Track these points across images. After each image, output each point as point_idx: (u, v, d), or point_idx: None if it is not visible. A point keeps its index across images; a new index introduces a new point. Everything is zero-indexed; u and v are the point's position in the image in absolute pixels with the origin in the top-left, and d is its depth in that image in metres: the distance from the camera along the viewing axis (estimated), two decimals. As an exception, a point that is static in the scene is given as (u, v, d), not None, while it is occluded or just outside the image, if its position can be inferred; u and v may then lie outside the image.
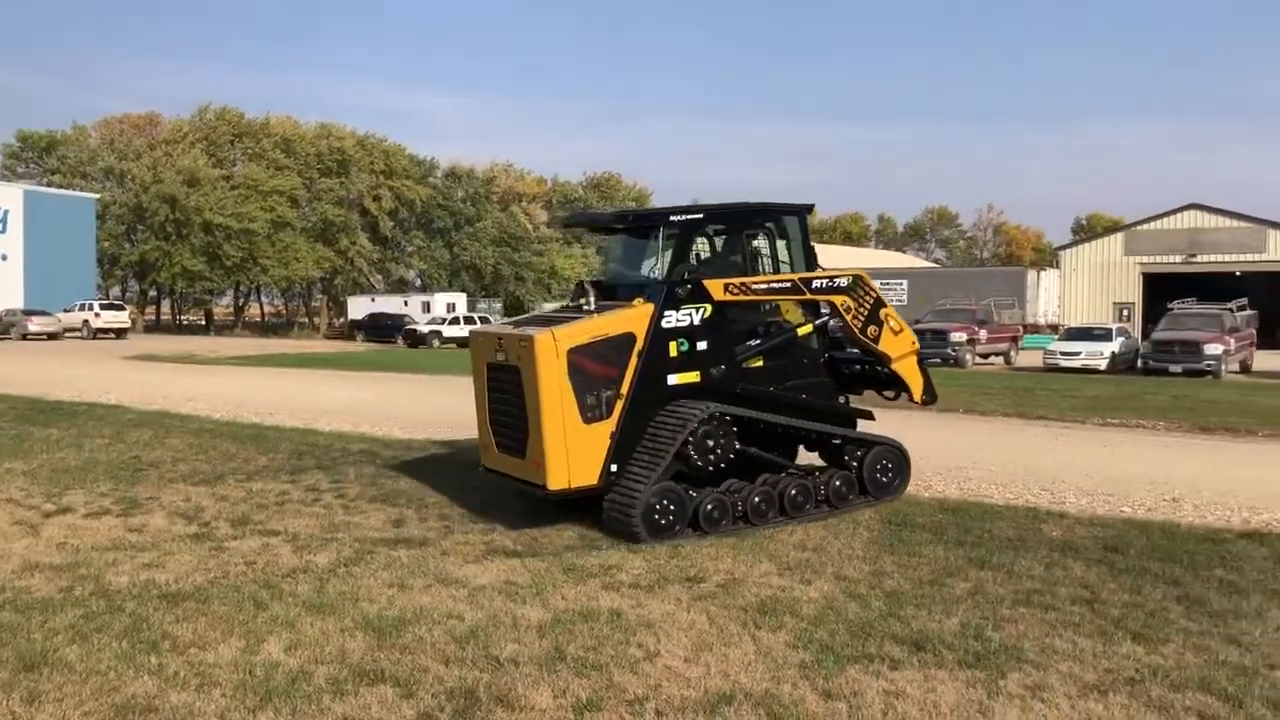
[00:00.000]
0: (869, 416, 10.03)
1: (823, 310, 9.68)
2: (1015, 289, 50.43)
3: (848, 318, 9.58)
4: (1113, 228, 61.25)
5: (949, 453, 12.81)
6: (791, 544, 8.09)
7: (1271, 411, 18.21)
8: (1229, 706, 4.93)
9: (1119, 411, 18.17)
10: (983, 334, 34.34)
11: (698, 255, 9.56)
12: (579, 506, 8.75)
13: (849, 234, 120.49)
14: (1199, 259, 49.76)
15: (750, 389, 9.11)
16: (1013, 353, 36.53)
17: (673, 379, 8.75)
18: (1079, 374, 29.41)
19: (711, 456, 8.59)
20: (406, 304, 63.12)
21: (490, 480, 10.79)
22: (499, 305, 72.61)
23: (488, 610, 6.39)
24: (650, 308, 8.68)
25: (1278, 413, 17.99)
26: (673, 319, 8.71)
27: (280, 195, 64.87)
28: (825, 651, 5.64)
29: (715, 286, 8.89)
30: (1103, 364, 30.69)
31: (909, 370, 10.02)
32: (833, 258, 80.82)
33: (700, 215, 9.33)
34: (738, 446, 8.76)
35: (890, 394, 10.30)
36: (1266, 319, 44.03)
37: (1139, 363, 31.14)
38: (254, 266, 65.33)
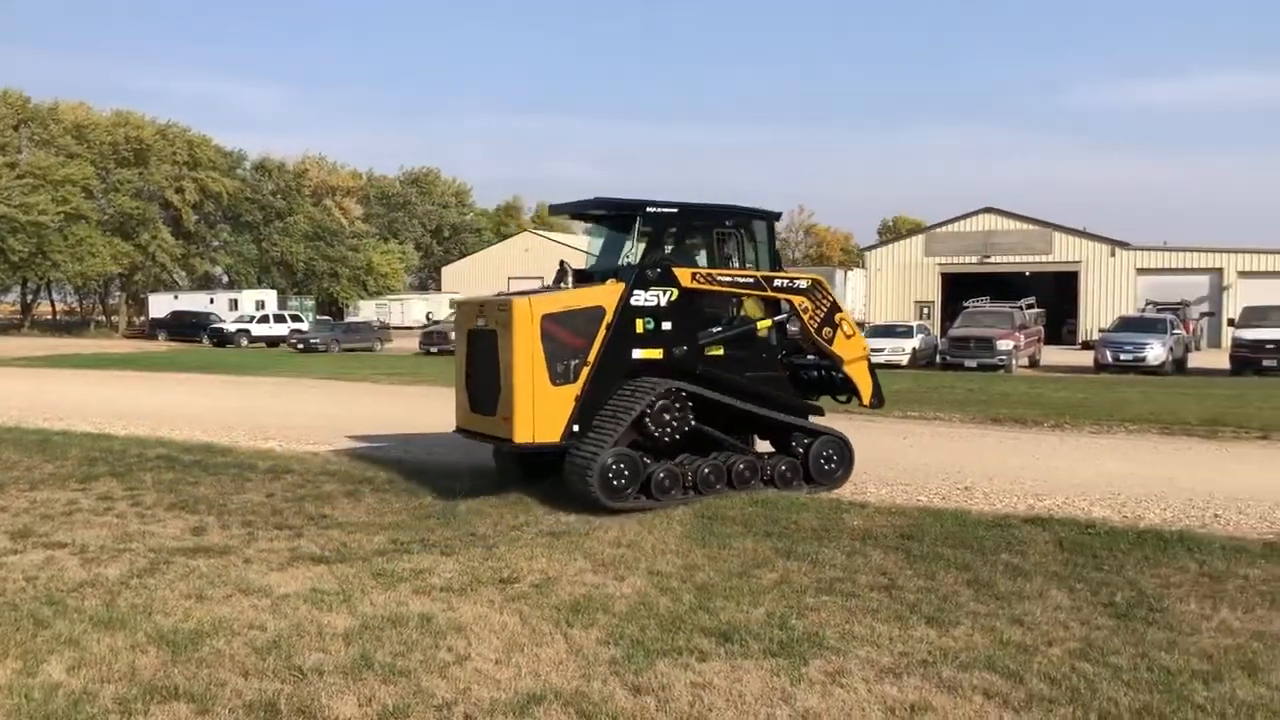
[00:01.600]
0: (819, 411, 10.71)
1: (783, 309, 10.36)
2: (825, 288, 52.21)
3: (804, 317, 10.25)
4: (915, 229, 64.25)
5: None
6: (607, 541, 8.13)
7: (1057, 403, 19.45)
8: (1011, 683, 5.23)
9: (919, 405, 19.05)
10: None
11: (675, 247, 10.16)
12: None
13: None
14: (993, 260, 52.79)
15: (710, 372, 9.80)
16: (823, 349, 37.79)
17: (637, 353, 9.49)
18: (883, 369, 30.63)
19: (667, 429, 9.32)
20: (213, 301, 60.55)
21: (298, 483, 10.47)
22: (311, 303, 70.39)
23: (291, 619, 6.17)
24: (621, 285, 9.46)
25: (1063, 404, 19.23)
26: (641, 298, 9.46)
27: (73, 185, 60.90)
28: (636, 647, 5.69)
29: (683, 274, 9.65)
30: (905, 359, 32.17)
31: (860, 374, 10.69)
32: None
33: (675, 210, 9.98)
34: (693, 423, 9.49)
35: (843, 398, 10.97)
36: (1052, 316, 47.15)
37: (938, 358, 32.79)
38: (44, 262, 61.09)
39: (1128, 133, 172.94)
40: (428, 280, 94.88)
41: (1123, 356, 29.85)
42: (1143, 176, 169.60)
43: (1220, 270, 49.37)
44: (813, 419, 10.54)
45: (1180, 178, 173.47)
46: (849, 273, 60.79)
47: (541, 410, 9.05)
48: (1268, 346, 28.39)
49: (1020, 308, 35.73)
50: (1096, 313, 48.61)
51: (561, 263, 10.12)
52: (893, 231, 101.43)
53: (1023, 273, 52.24)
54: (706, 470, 9.51)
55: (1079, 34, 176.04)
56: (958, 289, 50.80)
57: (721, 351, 9.96)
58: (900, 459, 12.46)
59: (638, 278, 9.49)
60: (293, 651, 5.61)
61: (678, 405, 9.35)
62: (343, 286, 75.58)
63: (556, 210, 11.33)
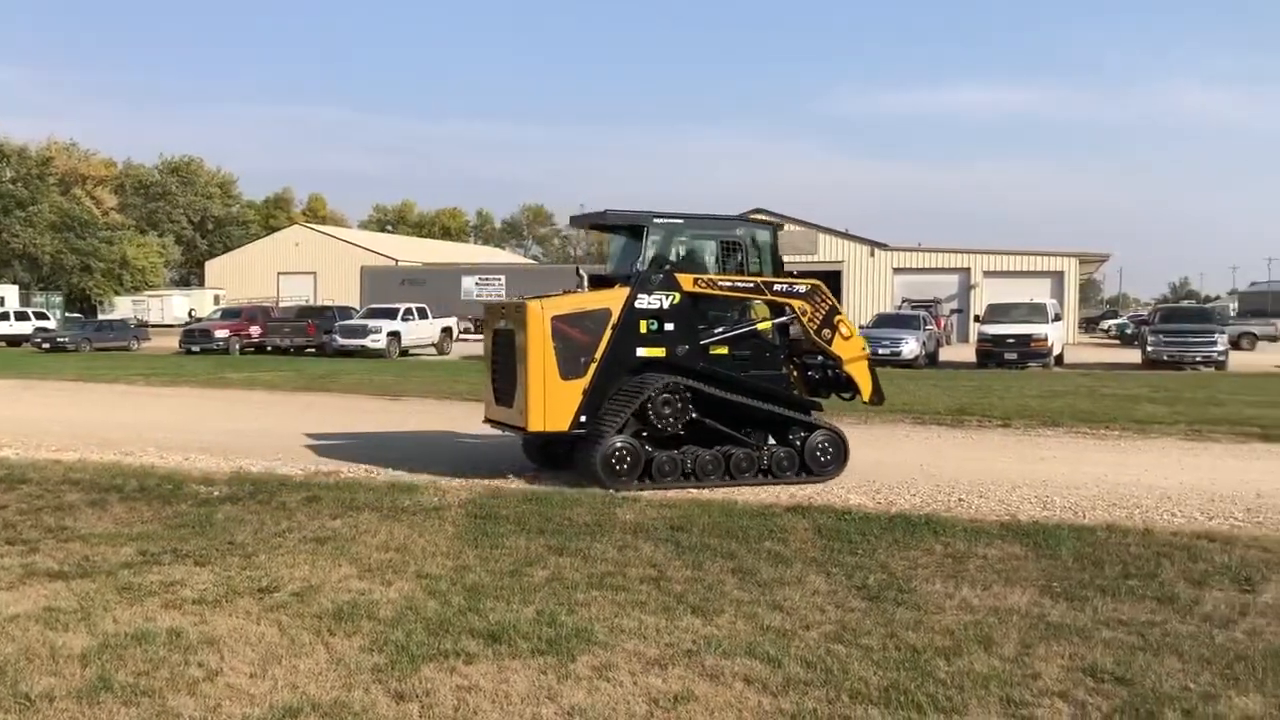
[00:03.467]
0: (818, 407, 11.38)
1: (786, 313, 11.04)
2: (605, 285, 52.84)
3: (804, 320, 10.94)
4: (690, 228, 65.82)
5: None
6: (375, 545, 7.91)
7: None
8: (770, 668, 5.39)
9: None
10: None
11: (679, 254, 11.04)
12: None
13: (447, 229, 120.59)
14: (763, 259, 54.66)
15: (711, 369, 10.53)
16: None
17: (641, 351, 10.35)
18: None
19: (667, 420, 10.15)
20: (-59, 299, 55.43)
21: (35, 494, 9.70)
22: (60, 299, 65.51)
23: (20, 642, 5.67)
24: (627, 290, 10.34)
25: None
26: (645, 301, 10.30)
27: None
28: (401, 653, 5.54)
29: (685, 279, 10.46)
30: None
31: (860, 372, 11.35)
32: (430, 252, 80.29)
33: (681, 220, 10.89)
34: (693, 415, 10.28)
35: (848, 395, 11.64)
36: (819, 313, 49.11)
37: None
38: None
39: (886, 139, 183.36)
40: (190, 275, 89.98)
41: (880, 351, 31.44)
42: (899, 180, 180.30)
43: (968, 270, 53.00)
44: (814, 415, 11.15)
45: (932, 182, 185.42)
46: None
47: (552, 401, 10.03)
48: (1009, 341, 30.65)
49: (789, 305, 37.14)
50: (858, 310, 51.17)
51: (577, 268, 10.89)
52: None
53: (790, 272, 54.39)
54: (706, 459, 10.28)
55: (846, 44, 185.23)
56: (731, 287, 52.42)
57: (726, 350, 10.75)
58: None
59: (641, 282, 10.34)
60: (19, 677, 5.15)
61: (677, 398, 10.19)
62: (95, 282, 70.62)
63: (576, 222, 12.25)
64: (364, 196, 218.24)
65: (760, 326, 11.04)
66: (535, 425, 10.11)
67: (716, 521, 8.61)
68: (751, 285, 10.85)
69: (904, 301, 46.88)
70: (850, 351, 11.26)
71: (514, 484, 10.31)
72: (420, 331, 37.77)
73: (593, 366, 10.14)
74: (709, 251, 11.18)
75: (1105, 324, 68.38)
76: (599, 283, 11.07)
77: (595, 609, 6.37)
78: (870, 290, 53.29)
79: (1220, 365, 29.66)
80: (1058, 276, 51.85)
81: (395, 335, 36.09)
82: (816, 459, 10.75)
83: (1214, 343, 30.24)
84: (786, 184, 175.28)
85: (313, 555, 7.60)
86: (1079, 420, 16.25)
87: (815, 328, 10.97)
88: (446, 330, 39.33)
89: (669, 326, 10.39)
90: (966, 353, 35.12)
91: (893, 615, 6.31)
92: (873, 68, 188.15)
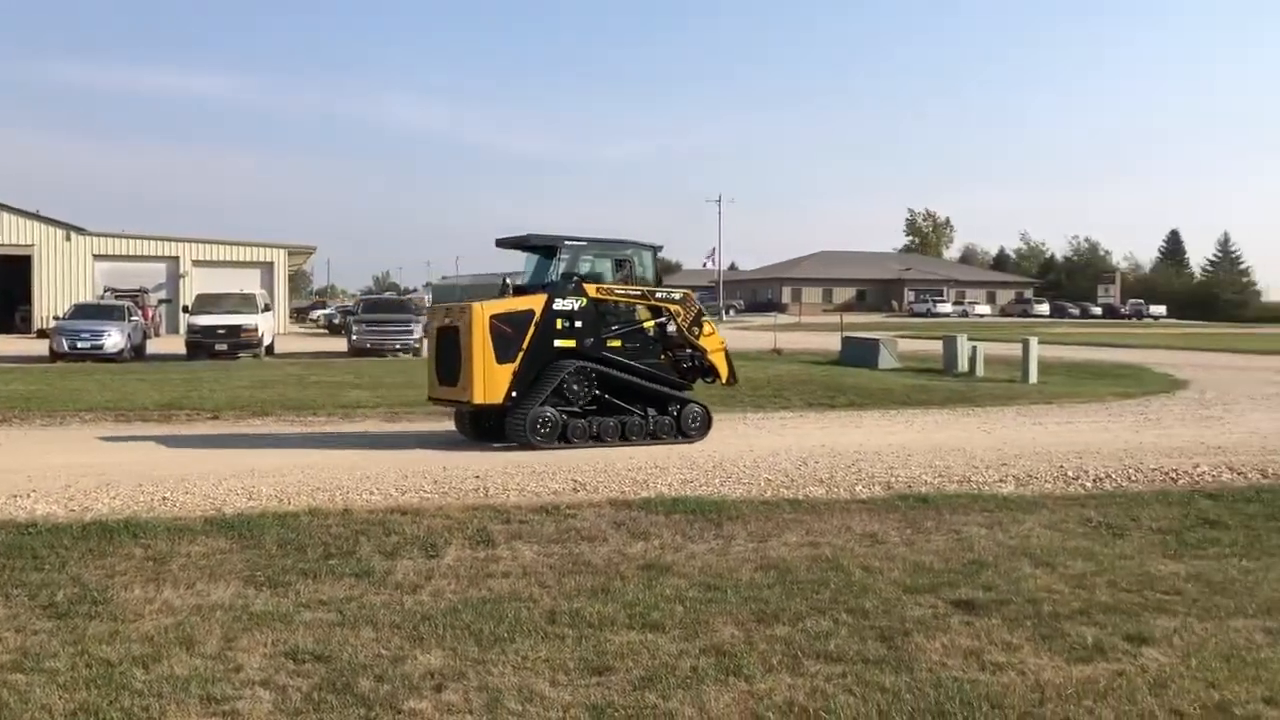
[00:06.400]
0: (689, 387, 14.25)
1: (664, 314, 13.95)
2: None
3: (678, 320, 13.87)
4: None
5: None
6: None
7: (8, 396, 18.10)
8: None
9: None
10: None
11: (587, 268, 13.74)
12: None
13: None
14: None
15: (610, 357, 13.34)
16: None
17: (557, 342, 13.04)
18: None
19: (577, 395, 12.91)
20: None
21: None
22: None
23: None
24: (546, 295, 13.10)
25: (15, 396, 17.96)
26: (560, 304, 13.06)
27: None
28: None
29: (590, 287, 13.32)
30: None
31: (719, 361, 14.29)
32: None
33: (586, 242, 13.81)
34: (597, 392, 13.08)
35: (710, 379, 14.43)
36: (4, 302, 44.02)
37: None
38: None
39: (90, 118, 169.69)
40: None
41: (80, 344, 29.02)
42: (107, 163, 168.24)
43: (177, 259, 51.18)
44: (685, 393, 14.05)
45: (141, 167, 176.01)
46: None
47: (489, 380, 12.61)
48: (219, 331, 30.15)
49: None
50: (53, 299, 46.48)
51: (504, 280, 13.25)
52: None
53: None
54: (609, 424, 13.09)
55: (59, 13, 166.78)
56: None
57: (620, 343, 13.55)
58: None
59: (557, 289, 13.15)
60: None
61: (584, 379, 12.99)
62: None
63: (501, 243, 14.59)
64: None
65: (645, 325, 13.90)
66: (478, 399, 12.69)
67: None
68: (638, 293, 13.84)
69: (107, 290, 43.66)
70: (713, 345, 14.24)
71: None
72: None
73: (520, 354, 12.75)
74: (606, 266, 13.94)
75: (315, 314, 70.88)
76: (519, 291, 14.09)
77: None
78: (67, 278, 48.62)
79: (416, 352, 32.37)
80: (268, 267, 52.38)
81: None
82: (690, 425, 13.68)
83: (411, 331, 32.86)
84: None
85: None
86: (289, 409, 16.63)
87: (687, 326, 13.93)
88: None
89: (578, 324, 13.14)
90: (177, 344, 33.86)
91: (85, 631, 5.86)
92: (84, 40, 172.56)
